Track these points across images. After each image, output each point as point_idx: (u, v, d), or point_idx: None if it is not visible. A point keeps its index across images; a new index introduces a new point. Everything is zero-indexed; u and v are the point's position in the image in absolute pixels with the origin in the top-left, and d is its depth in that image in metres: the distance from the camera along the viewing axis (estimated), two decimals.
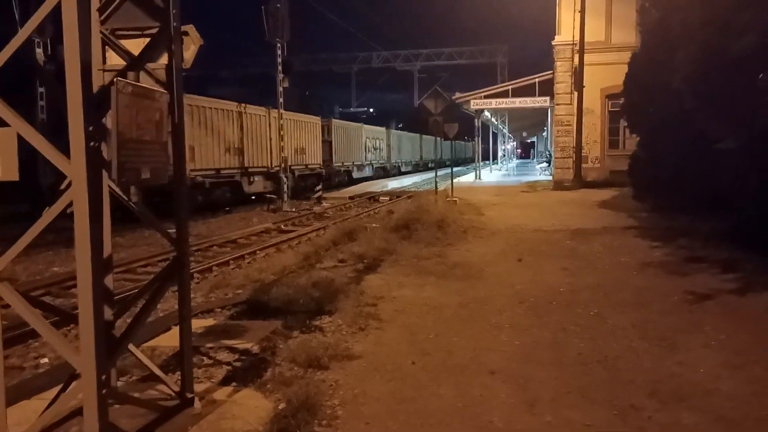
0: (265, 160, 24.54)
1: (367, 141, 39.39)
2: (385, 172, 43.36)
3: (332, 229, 15.44)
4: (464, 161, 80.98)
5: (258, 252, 12.81)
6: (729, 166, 10.57)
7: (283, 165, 22.97)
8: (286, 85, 22.66)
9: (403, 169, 48.24)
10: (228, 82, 68.57)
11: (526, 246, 10.81)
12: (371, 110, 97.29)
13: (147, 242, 14.66)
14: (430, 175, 41.49)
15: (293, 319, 6.38)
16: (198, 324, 6.40)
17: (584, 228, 12.78)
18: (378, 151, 42.06)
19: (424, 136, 52.09)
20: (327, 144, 32.54)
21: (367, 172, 39.60)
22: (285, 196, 22.42)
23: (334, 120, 34.22)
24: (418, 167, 51.19)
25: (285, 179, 22.68)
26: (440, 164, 52.16)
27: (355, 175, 37.41)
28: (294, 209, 22.32)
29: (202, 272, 10.75)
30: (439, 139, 20.90)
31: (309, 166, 29.69)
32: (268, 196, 22.43)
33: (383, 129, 46.15)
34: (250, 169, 23.49)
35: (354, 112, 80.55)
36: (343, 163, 35.13)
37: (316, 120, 30.98)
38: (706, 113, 10.08)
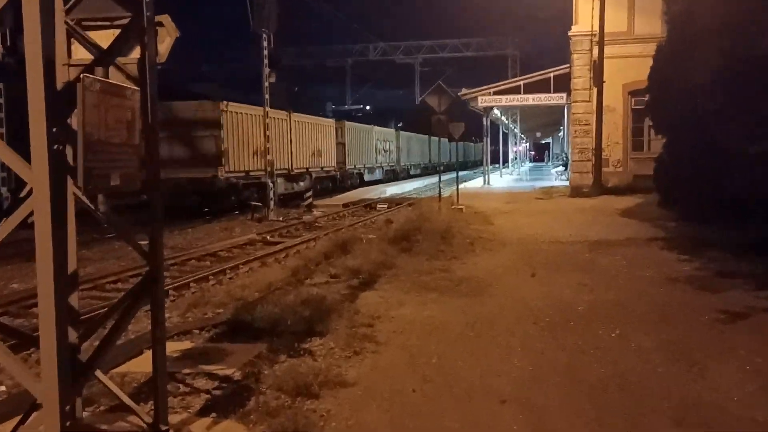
0: (286, 162, 27.82)
1: (377, 143, 41.90)
2: (394, 175, 45.57)
3: (324, 240, 15.44)
4: (471, 164, 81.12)
5: (241, 266, 12.80)
6: (757, 172, 10.64)
7: (269, 169, 23.00)
8: (272, 80, 22.69)
9: (412, 172, 50.48)
10: (210, 77, 68.72)
11: (540, 259, 10.82)
12: (368, 108, 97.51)
13: (117, 255, 14.64)
14: (447, 177, 42.36)
15: (280, 342, 6.37)
16: (174, 347, 6.39)
17: (605, 239, 12.79)
18: (388, 153, 44.52)
19: (433, 138, 53.93)
20: (340, 146, 35.28)
21: (378, 174, 42.09)
22: (271, 203, 22.43)
23: (347, 122, 36.79)
24: (428, 170, 53.12)
25: (271, 185, 22.71)
26: (447, 168, 52.68)
27: (367, 177, 39.77)
28: (281, 218, 22.32)
29: (178, 289, 10.74)
30: (444, 140, 20.98)
31: (324, 169, 32.72)
32: (253, 203, 22.44)
33: (393, 130, 47.90)
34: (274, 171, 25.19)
35: (348, 110, 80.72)
36: (355, 165, 37.69)
37: (331, 122, 34.55)
38: (726, 114, 10.15)
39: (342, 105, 76.59)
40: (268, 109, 22.81)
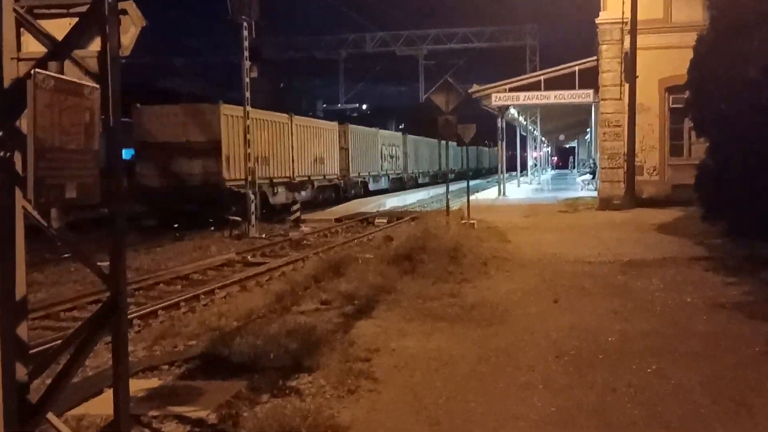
0: (287, 170, 29.60)
1: (383, 148, 43.67)
2: (401, 183, 47.30)
3: (313, 260, 15.44)
4: (485, 172, 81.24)
5: (217, 291, 12.80)
6: None
7: (250, 177, 23.03)
8: (254, 75, 22.75)
9: (420, 181, 52.11)
10: (182, 72, 69.07)
11: (564, 282, 10.82)
12: (364, 107, 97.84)
13: (73, 278, 14.62)
14: (452, 188, 42.18)
15: (262, 379, 6.35)
16: (139, 385, 6.37)
17: (639, 259, 12.78)
18: (394, 159, 46.21)
19: (443, 143, 55.65)
20: (344, 152, 37.00)
21: (383, 183, 43.82)
22: (252, 218, 22.45)
23: (350, 125, 38.50)
24: (437, 179, 54.46)
25: (252, 196, 22.73)
26: (458, 176, 53.02)
27: (372, 186, 41.47)
28: (264, 235, 22.30)
29: (144, 318, 10.73)
30: (452, 144, 21.01)
31: (327, 177, 34.34)
32: (231, 218, 22.47)
33: (399, 134, 49.07)
34: (274, 180, 28.45)
35: (342, 110, 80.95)
36: (359, 173, 39.42)
37: (333, 126, 36.08)
38: None
39: (335, 103, 76.87)
40: (249, 109, 22.86)
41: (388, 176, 44.91)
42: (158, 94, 59.99)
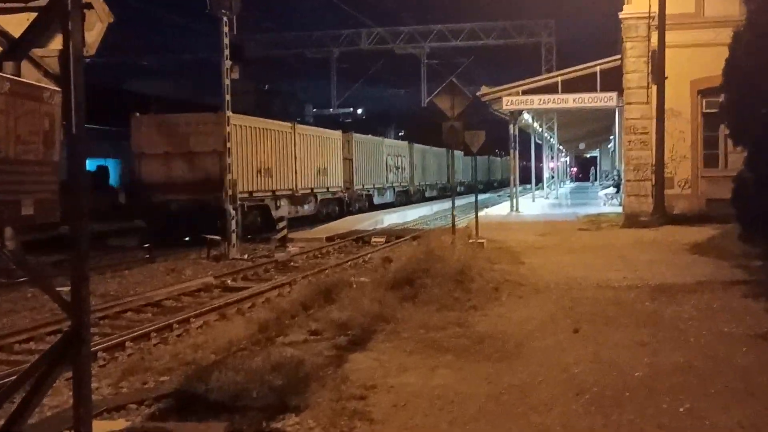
0: (290, 182, 31.51)
1: (388, 158, 45.72)
2: (407, 197, 49.37)
3: (302, 285, 15.43)
4: (496, 185, 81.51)
5: (192, 320, 12.79)
6: None
7: (231, 191, 23.03)
8: (235, 75, 22.83)
9: (427, 194, 54.13)
10: (154, 73, 69.29)
11: (585, 309, 10.80)
12: (359, 112, 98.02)
13: (30, 306, 14.60)
14: (460, 202, 42.73)
15: (243, 420, 6.33)
16: (103, 428, 6.33)
17: (670, 283, 12.76)
18: (400, 171, 48.46)
19: (450, 152, 57.32)
20: (348, 163, 39.00)
21: (388, 197, 45.86)
22: (233, 237, 22.45)
23: (354, 134, 40.75)
24: (445, 191, 55.61)
25: (232, 212, 22.74)
26: (468, 188, 53.34)
27: (376, 200, 43.58)
28: (246, 256, 22.29)
29: (110, 350, 10.71)
30: (459, 153, 21.03)
31: (330, 190, 36.41)
32: (208, 237, 22.48)
33: (405, 143, 50.44)
34: (277, 192, 30.47)
35: (334, 115, 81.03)
36: (363, 185, 41.41)
37: (337, 135, 38.16)
38: None
39: (326, 108, 76.94)
40: (230, 114, 22.92)
41: (394, 189, 46.77)
42: (126, 98, 60.29)
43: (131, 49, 64.58)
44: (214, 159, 25.59)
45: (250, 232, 27.35)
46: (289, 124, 32.42)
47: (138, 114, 27.45)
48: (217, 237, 22.56)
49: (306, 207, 33.40)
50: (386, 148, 45.50)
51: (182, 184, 26.03)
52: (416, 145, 51.42)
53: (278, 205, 30.33)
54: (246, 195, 27.05)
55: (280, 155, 30.80)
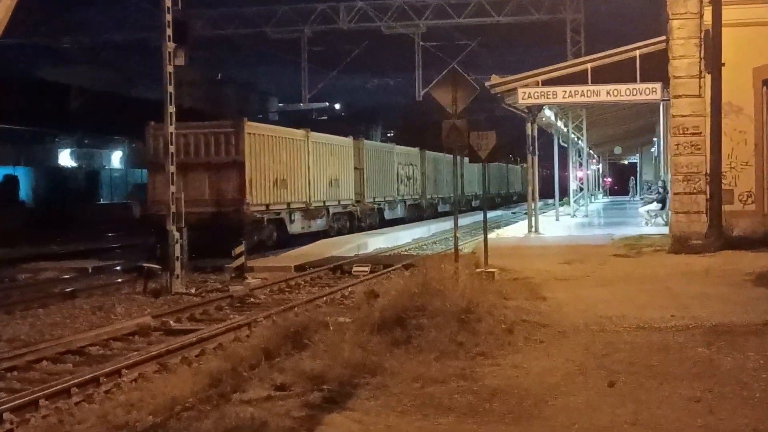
0: (303, 194, 35.90)
1: (399, 168, 49.86)
2: (419, 211, 53.21)
3: (264, 327, 15.36)
4: (511, 198, 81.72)
5: (125, 371, 12.70)
6: None
7: (174, 209, 22.95)
8: (180, 61, 22.77)
9: (440, 208, 57.66)
10: (75, 56, 69.29)
11: (622, 357, 10.79)
12: (336, 107, 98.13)
13: None
14: (467, 220, 44.42)
15: None
16: None
17: (729, 323, 12.77)
18: (411, 182, 52.66)
19: (466, 161, 59.99)
20: (358, 173, 43.10)
21: (399, 211, 50.00)
22: (176, 265, 22.34)
23: (365, 141, 45.50)
24: (460, 205, 54.87)
25: (176, 235, 22.65)
26: (478, 202, 54.08)
27: (387, 215, 47.67)
28: (194, 289, 22.20)
29: (19, 411, 10.59)
30: (465, 160, 21.03)
31: (342, 203, 40.81)
32: (146, 266, 22.41)
33: (417, 151, 53.21)
34: (291, 205, 34.81)
35: (305, 111, 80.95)
36: (374, 198, 45.35)
37: (348, 142, 42.50)
38: None
39: (295, 102, 76.99)
40: (172, 122, 22.87)
41: (405, 202, 51.18)
42: (41, 89, 60.18)
43: (47, 28, 64.51)
44: (233, 170, 30.51)
45: (267, 249, 31.83)
46: (302, 132, 36.89)
47: (152, 123, 30.65)
48: (157, 266, 22.46)
49: (318, 221, 37.81)
50: (397, 157, 49.39)
51: (198, 196, 30.13)
52: (428, 153, 53.48)
53: (293, 219, 35.05)
54: (263, 208, 32.08)
55: (295, 165, 35.26)
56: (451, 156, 22.19)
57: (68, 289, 22.59)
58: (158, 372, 12.96)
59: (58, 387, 11.58)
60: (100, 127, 62.21)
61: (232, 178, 30.59)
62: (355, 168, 42.72)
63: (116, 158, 68.56)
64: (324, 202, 38.31)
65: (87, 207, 54.88)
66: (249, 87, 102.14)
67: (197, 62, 61.08)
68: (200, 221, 28.11)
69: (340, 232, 39.39)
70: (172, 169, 23.23)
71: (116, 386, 12.08)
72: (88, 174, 60.66)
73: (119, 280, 24.62)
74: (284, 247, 32.84)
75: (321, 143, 38.47)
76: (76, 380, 11.94)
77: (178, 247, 22.50)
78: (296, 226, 35.34)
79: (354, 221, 42.17)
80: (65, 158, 63.84)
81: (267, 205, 32.47)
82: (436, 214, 54.43)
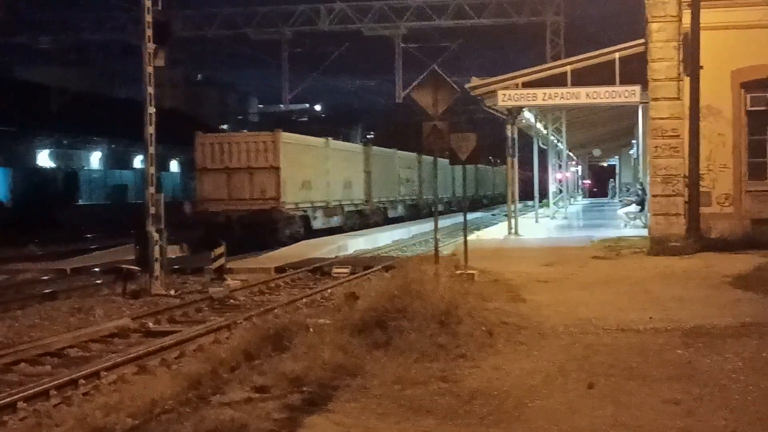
0: (324, 194, 41.69)
1: (400, 171, 55.52)
2: (416, 210, 58.18)
3: (244, 329, 15.32)
4: (493, 200, 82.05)
5: (104, 373, 12.64)
6: None
7: (153, 210, 22.85)
8: (160, 62, 22.69)
9: (451, 207, 62.26)
10: (52, 56, 68.99)
11: (602, 360, 10.82)
12: (317, 108, 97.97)
13: None
14: (447, 222, 45.52)
15: None
16: None
17: (708, 325, 12.81)
18: (410, 183, 58.17)
19: (478, 166, 72.14)
20: (367, 176, 48.74)
21: (400, 210, 55.58)
22: (156, 267, 22.25)
23: (373, 147, 51.10)
24: (451, 206, 62.92)
25: (155, 235, 22.55)
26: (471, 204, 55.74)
27: (390, 213, 53.11)
28: (173, 291, 22.13)
29: None
30: (443, 162, 21.05)
31: (354, 202, 46.71)
32: (125, 267, 22.34)
33: (414, 155, 57.35)
34: (314, 204, 40.51)
35: (286, 113, 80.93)
36: (380, 198, 51.11)
37: (359, 148, 50.16)
38: None
39: (275, 103, 76.93)
40: (152, 123, 22.78)
41: (405, 202, 56.64)
42: (19, 89, 59.92)
43: (25, 28, 64.24)
44: (270, 174, 35.89)
45: (294, 241, 35.71)
46: (323, 140, 43.36)
47: (200, 132, 38.51)
48: (136, 267, 22.37)
49: (334, 218, 43.25)
50: (398, 161, 54.83)
51: (241, 196, 36.13)
52: (425, 157, 55.26)
53: (315, 216, 40.49)
54: (293, 206, 37.61)
55: (317, 169, 40.78)
56: (444, 160, 22.95)
57: (47, 291, 22.48)
58: (137, 374, 12.92)
59: (36, 389, 11.52)
60: (80, 127, 61.95)
61: (269, 181, 36.02)
62: (364, 171, 48.19)
63: (95, 159, 68.22)
64: (340, 202, 43.92)
65: (66, 208, 54.64)
66: (229, 88, 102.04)
67: (178, 63, 60.94)
68: (241, 217, 35.04)
69: (352, 228, 44.07)
70: (152, 169, 23.09)
71: (95, 388, 12.03)
72: (66, 174, 60.35)
73: (98, 281, 24.51)
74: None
75: (338, 150, 44.92)
76: (54, 382, 11.89)
77: (157, 248, 22.39)
78: (318, 222, 40.68)
79: (363, 219, 47.33)
80: (44, 159, 63.53)
81: (296, 204, 37.98)
82: (431, 214, 54.44)
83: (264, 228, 35.24)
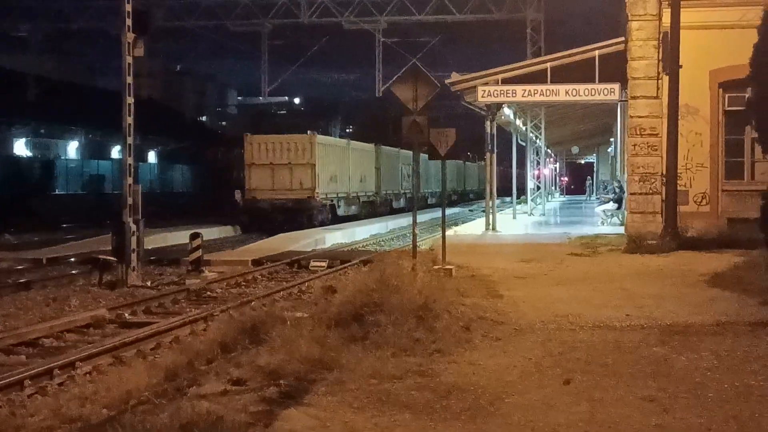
0: (346, 186, 50.19)
1: (402, 167, 61.68)
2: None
3: (220, 321, 15.26)
4: (471, 196, 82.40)
5: (79, 364, 12.58)
6: None
7: (131, 200, 22.74)
8: (140, 52, 22.58)
9: (429, 201, 68.07)
10: (29, 44, 68.54)
11: (578, 356, 10.85)
12: (296, 101, 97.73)
13: None
14: (425, 217, 46.82)
15: None
16: None
17: (683, 323, 12.87)
18: (410, 178, 61.54)
19: (459, 162, 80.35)
20: (377, 171, 56.36)
21: (402, 202, 62.29)
22: (132, 258, 22.16)
23: (382, 147, 57.45)
24: (456, 199, 72.89)
25: (132, 226, 22.45)
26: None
27: (395, 205, 60.57)
28: (150, 282, 22.07)
29: None
30: (424, 157, 21.04)
31: (367, 194, 54.60)
32: (102, 258, 22.24)
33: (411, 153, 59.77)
34: (339, 195, 48.86)
35: (265, 105, 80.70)
36: (387, 192, 58.76)
37: (371, 147, 56.36)
38: None
39: (254, 95, 76.70)
40: (131, 113, 22.69)
41: (406, 195, 62.20)
42: None
43: (3, 15, 63.79)
44: (307, 169, 43.79)
45: (324, 225, 43.01)
46: (345, 141, 54.01)
47: (248, 134, 45.91)
48: (112, 258, 22.26)
49: (353, 207, 51.19)
50: (401, 159, 59.74)
51: (282, 187, 43.74)
52: (423, 155, 57.00)
53: (339, 205, 48.58)
54: (324, 196, 45.36)
55: (340, 166, 48.83)
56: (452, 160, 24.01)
57: (22, 280, 22.40)
58: (113, 365, 12.86)
59: (9, 379, 11.46)
60: (57, 116, 61.58)
61: (306, 175, 43.74)
62: (375, 168, 55.87)
63: (72, 148, 67.77)
64: (357, 193, 52.15)
65: (42, 197, 54.32)
66: (208, 79, 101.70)
67: (157, 53, 60.69)
68: (283, 205, 42.97)
69: (366, 216, 51.27)
70: (130, 160, 22.96)
71: (70, 379, 11.99)
72: (43, 164, 59.93)
73: (74, 271, 24.42)
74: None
75: (356, 149, 52.92)
76: (29, 372, 11.83)
77: (134, 239, 22.29)
78: (341, 210, 48.68)
79: (374, 208, 54.55)
80: (20, 148, 63.06)
81: (326, 194, 45.84)
82: (426, 206, 62.53)
83: (301, 214, 42.98)
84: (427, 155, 21.80)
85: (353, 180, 51.13)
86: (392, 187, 60.33)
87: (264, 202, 43.29)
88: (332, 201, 47.03)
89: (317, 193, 43.89)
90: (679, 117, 24.07)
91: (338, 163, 48.33)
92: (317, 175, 43.81)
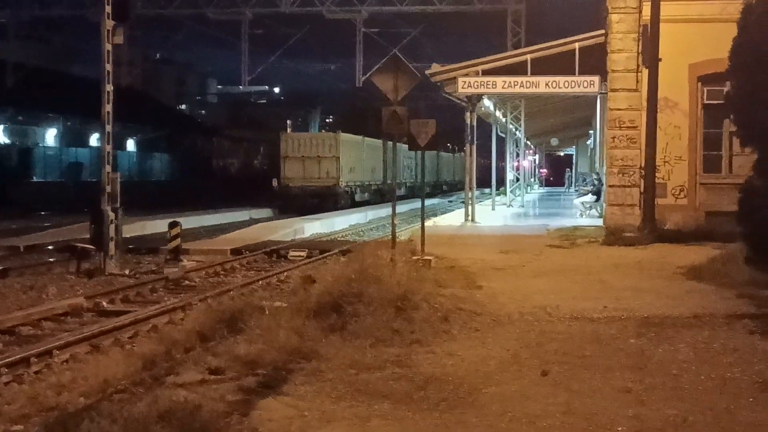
0: (360, 176, 59.73)
1: (404, 159, 66.92)
2: (413, 192, 67.94)
3: (199, 310, 15.22)
4: (449, 187, 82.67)
5: (56, 352, 12.51)
6: None
7: (109, 189, 22.61)
8: (119, 40, 22.46)
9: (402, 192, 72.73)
10: (8, 31, 67.94)
11: (556, 347, 10.91)
12: (276, 90, 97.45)
13: None
14: (404, 208, 47.07)
15: None
16: None
17: (660, 315, 12.95)
18: (410, 170, 72.71)
19: (441, 153, 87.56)
20: (385, 163, 63.44)
21: (404, 191, 66.72)
22: (111, 246, 22.06)
23: (389, 142, 59.42)
24: (436, 190, 78.05)
25: (111, 214, 22.33)
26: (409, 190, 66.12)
27: (398, 193, 54.90)
28: (128, 271, 21.97)
29: None
30: (403, 147, 21.02)
31: (377, 183, 63.55)
32: (79, 246, 22.15)
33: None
34: (356, 183, 58.54)
35: (245, 94, 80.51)
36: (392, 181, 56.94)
37: (379, 143, 62.88)
38: None
39: (234, 84, 76.45)
40: (110, 101, 22.57)
41: (406, 185, 68.91)
42: None
43: None
44: (332, 161, 53.37)
45: (343, 208, 50.79)
46: (361, 137, 60.97)
47: (283, 132, 58.03)
48: (90, 246, 22.16)
49: (366, 194, 59.80)
50: (403, 152, 62.18)
51: (312, 176, 53.12)
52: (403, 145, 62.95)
53: (356, 192, 57.76)
54: (345, 184, 54.63)
55: (357, 158, 58.34)
56: (432, 152, 24.37)
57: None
58: (90, 353, 12.81)
59: None
60: (36, 103, 61.25)
61: (331, 166, 53.42)
62: (383, 160, 63.29)
63: (51, 136, 67.41)
64: (369, 182, 61.54)
65: (20, 185, 54.16)
66: (188, 68, 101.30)
67: (137, 41, 60.38)
68: (313, 191, 52.02)
69: (377, 202, 57.29)
70: (109, 148, 22.80)
71: (47, 367, 11.92)
72: (21, 151, 59.65)
73: (52, 259, 24.31)
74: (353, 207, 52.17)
75: (369, 144, 61.75)
76: (5, 360, 11.76)
77: (112, 227, 22.18)
78: (358, 197, 57.80)
79: (381, 196, 60.84)
80: None
81: (347, 183, 55.37)
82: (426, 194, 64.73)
83: (327, 199, 51.64)
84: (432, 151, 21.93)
85: (366, 171, 60.36)
86: (397, 177, 61.47)
87: (296, 189, 52.35)
88: (351, 188, 56.22)
89: (341, 181, 53.48)
90: (658, 110, 24.19)
91: (356, 156, 57.56)
92: (341, 167, 53.21)
